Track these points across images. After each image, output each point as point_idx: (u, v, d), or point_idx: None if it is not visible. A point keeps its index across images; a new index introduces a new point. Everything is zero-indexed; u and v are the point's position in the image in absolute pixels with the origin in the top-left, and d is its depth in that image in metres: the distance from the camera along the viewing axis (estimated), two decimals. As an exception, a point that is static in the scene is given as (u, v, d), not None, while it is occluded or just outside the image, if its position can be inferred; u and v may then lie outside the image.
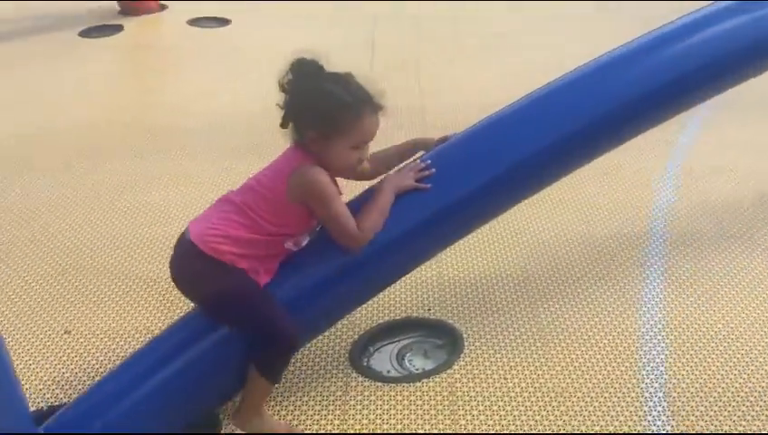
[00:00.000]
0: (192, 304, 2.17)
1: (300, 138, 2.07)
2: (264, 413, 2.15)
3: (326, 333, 2.52)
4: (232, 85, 4.93)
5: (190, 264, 2.06)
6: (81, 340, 2.59)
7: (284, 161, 2.09)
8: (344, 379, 2.39)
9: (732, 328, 2.59)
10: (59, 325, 2.66)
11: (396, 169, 2.26)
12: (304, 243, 2.14)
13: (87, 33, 5.87)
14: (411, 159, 2.30)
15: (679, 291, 2.79)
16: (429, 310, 2.71)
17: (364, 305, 2.66)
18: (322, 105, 2.03)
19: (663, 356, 2.46)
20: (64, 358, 2.51)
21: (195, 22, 6.13)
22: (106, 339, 2.59)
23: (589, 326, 2.60)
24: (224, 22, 6.15)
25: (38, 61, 5.39)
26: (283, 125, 2.09)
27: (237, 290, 2.04)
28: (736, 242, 3.09)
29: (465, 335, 2.56)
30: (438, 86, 4.86)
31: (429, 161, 2.22)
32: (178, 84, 5.11)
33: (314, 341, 2.49)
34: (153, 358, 2.09)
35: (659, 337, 2.54)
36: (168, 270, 2.14)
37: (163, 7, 6.50)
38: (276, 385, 2.14)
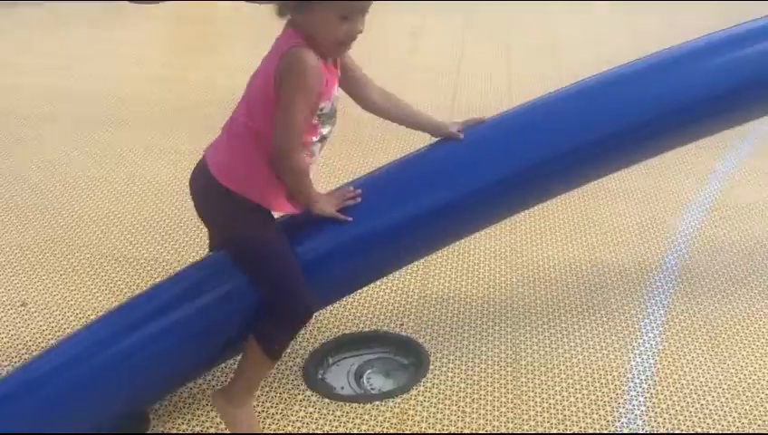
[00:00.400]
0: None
1: (280, 8, 1.83)
2: (249, 406, 2.00)
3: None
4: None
5: (216, 201, 1.92)
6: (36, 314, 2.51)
7: (277, 44, 1.84)
8: (291, 390, 2.22)
9: (725, 384, 2.31)
10: (17, 296, 2.60)
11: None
12: (318, 153, 1.96)
13: (135, -3, 5.86)
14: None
15: (678, 337, 2.51)
16: (401, 325, 2.53)
17: (333, 312, 2.52)
18: None
19: (644, 407, 2.21)
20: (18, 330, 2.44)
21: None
22: (64, 313, 2.50)
23: (571, 363, 2.36)
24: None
25: (81, 23, 5.39)
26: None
27: (262, 240, 1.90)
28: (749, 290, 2.77)
29: (432, 358, 2.36)
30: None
31: (359, 190, 2.00)
32: (213, 58, 5.05)
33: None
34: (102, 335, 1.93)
35: (645, 384, 2.29)
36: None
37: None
38: (275, 364, 2.00)
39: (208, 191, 1.92)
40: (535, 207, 2.52)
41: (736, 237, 3.13)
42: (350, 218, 1.94)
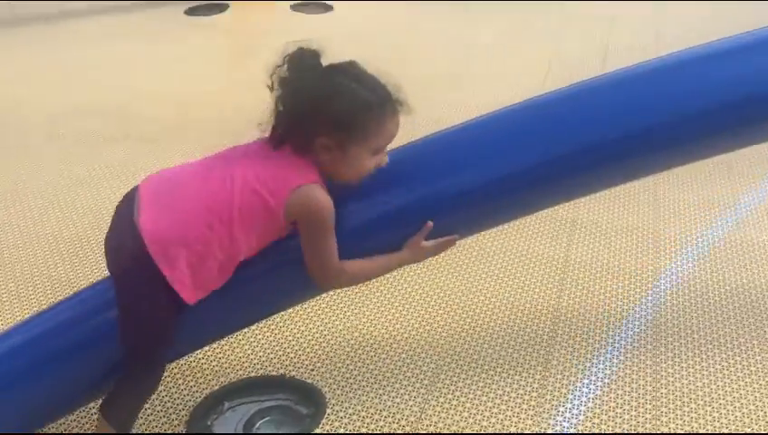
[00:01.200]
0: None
1: (304, 144, 1.75)
2: None
3: (186, 375, 2.33)
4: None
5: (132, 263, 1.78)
6: None
7: (291, 169, 1.75)
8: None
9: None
10: None
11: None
12: None
13: (193, 11, 5.96)
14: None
15: (628, 395, 2.24)
16: (313, 370, 2.39)
17: (244, 350, 2.43)
18: (340, 107, 1.71)
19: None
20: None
21: (298, 7, 6.05)
22: None
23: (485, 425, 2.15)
24: (327, 8, 6.04)
25: (137, 36, 5.56)
26: (281, 133, 1.78)
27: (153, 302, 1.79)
28: (730, 350, 2.43)
29: (329, 411, 2.21)
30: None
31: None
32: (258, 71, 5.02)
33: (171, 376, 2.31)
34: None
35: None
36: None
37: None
38: None
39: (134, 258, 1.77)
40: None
41: (736, 282, 2.76)
42: (457, 236, 1.96)
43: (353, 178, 1.81)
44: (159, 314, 1.80)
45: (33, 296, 2.73)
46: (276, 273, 1.90)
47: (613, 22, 5.60)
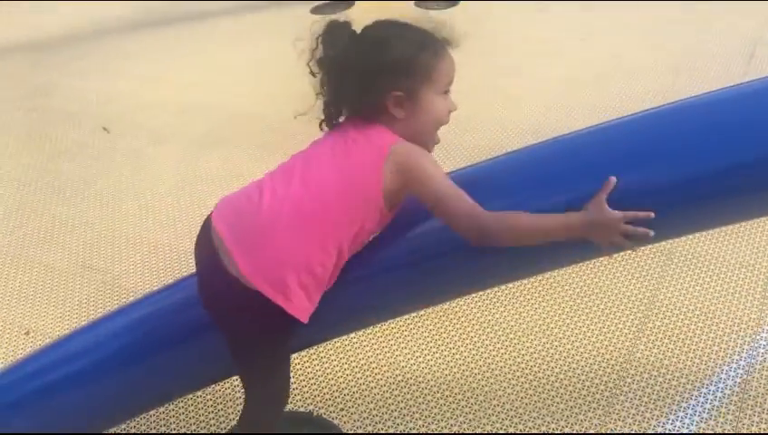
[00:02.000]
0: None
1: (374, 108, 1.64)
2: None
3: (217, 403, 2.28)
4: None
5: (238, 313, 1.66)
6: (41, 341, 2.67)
7: (370, 140, 1.62)
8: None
9: None
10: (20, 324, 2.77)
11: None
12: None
13: (319, 10, 5.95)
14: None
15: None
16: (342, 409, 2.25)
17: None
18: (398, 54, 1.62)
19: None
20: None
21: (422, 3, 5.85)
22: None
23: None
24: (451, 3, 5.81)
25: (264, 36, 5.65)
26: (344, 109, 1.69)
27: (279, 358, 1.75)
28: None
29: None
30: None
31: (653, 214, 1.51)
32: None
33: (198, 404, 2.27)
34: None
35: None
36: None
37: (409, -17, 6.37)
38: None
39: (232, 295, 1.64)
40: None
41: None
42: (652, 233, 1.49)
43: (432, 128, 1.68)
44: (279, 344, 1.71)
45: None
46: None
47: None
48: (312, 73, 1.68)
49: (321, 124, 1.72)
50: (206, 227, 1.69)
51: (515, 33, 5.11)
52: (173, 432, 2.07)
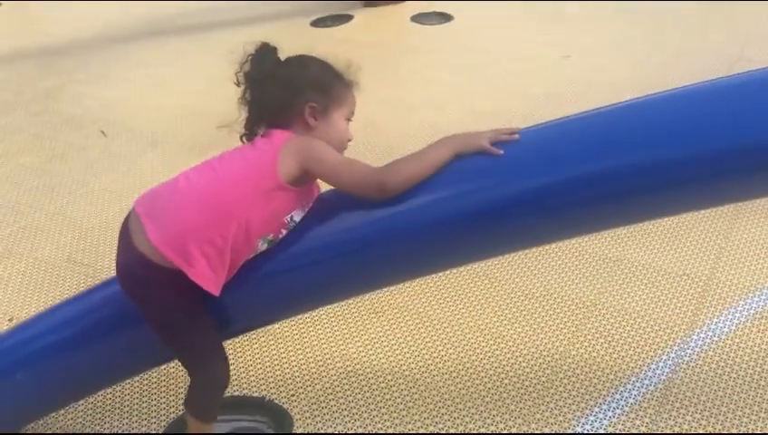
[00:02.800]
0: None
1: (290, 116, 1.88)
2: None
3: (170, 386, 2.45)
4: (423, 99, 4.81)
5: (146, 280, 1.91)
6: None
7: (276, 135, 1.85)
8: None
9: None
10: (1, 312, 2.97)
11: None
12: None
13: (319, 23, 6.15)
14: None
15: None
16: (293, 395, 2.42)
17: (234, 369, 2.50)
18: (319, 74, 1.93)
19: None
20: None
21: (418, 18, 6.04)
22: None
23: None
24: (447, 18, 5.99)
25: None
26: (263, 119, 1.92)
27: (194, 327, 1.90)
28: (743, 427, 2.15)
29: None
30: None
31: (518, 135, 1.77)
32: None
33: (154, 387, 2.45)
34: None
35: None
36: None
37: (406, -3, 6.56)
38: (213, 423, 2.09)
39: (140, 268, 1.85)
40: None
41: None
42: (501, 152, 1.72)
43: (336, 146, 1.90)
44: (192, 316, 1.89)
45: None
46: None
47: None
48: (237, 84, 1.94)
49: (241, 137, 1.96)
50: (126, 218, 1.92)
51: (504, 48, 5.29)
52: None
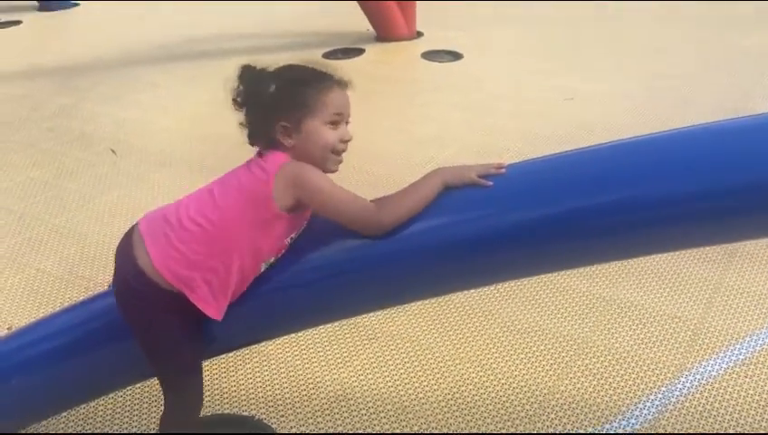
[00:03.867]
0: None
1: (268, 136, 1.87)
2: None
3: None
4: (429, 132, 4.89)
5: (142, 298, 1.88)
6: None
7: (267, 161, 1.84)
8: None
9: None
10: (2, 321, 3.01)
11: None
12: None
13: (331, 55, 6.26)
14: None
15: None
16: (282, 416, 2.45)
17: (229, 386, 2.54)
18: (281, 88, 1.87)
19: None
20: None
21: (428, 55, 6.17)
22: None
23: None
24: (456, 56, 6.11)
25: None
26: (253, 139, 1.91)
27: (174, 343, 1.92)
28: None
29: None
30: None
31: (505, 169, 1.83)
32: (376, 125, 5.18)
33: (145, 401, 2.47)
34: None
35: None
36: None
37: (419, 34, 6.70)
38: None
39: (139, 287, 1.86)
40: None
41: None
42: (491, 183, 1.78)
43: (322, 153, 1.85)
44: (181, 340, 1.91)
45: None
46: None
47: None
48: (237, 108, 1.91)
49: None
50: (129, 233, 1.94)
51: (510, 89, 5.38)
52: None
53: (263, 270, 1.87)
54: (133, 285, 1.86)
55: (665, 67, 5.61)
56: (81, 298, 3.09)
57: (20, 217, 3.82)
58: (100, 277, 3.26)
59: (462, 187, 1.80)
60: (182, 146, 4.63)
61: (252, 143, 1.91)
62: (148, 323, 1.89)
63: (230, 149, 4.45)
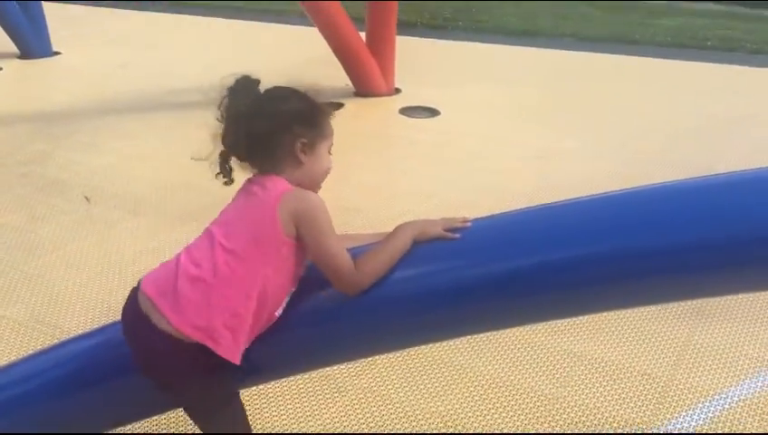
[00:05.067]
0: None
1: (272, 157, 1.83)
2: None
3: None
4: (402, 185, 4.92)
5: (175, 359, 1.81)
6: None
7: (268, 188, 1.80)
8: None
9: None
10: None
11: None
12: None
13: (309, 108, 6.34)
14: None
15: None
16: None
17: None
18: (303, 106, 1.86)
19: None
20: None
21: (406, 111, 6.27)
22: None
23: None
24: (434, 112, 6.21)
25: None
26: (252, 153, 1.85)
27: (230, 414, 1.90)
28: None
29: None
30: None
31: (470, 223, 1.85)
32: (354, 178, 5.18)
33: None
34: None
35: None
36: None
37: (397, 91, 6.81)
38: None
39: (166, 349, 1.80)
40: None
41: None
42: (458, 236, 1.80)
43: (321, 178, 1.89)
44: (220, 392, 1.87)
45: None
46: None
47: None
48: (219, 119, 1.86)
49: (216, 175, 1.90)
50: (132, 298, 1.87)
51: (486, 146, 5.47)
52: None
53: (285, 302, 1.84)
54: (161, 348, 1.78)
55: (636, 128, 5.75)
56: (41, 345, 3.06)
57: (-12, 262, 3.77)
58: (67, 325, 3.21)
59: (429, 240, 1.81)
60: (157, 194, 4.62)
61: (245, 158, 1.86)
62: (184, 381, 1.83)
63: (201, 199, 4.52)
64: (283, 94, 1.88)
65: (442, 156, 5.27)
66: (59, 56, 8.40)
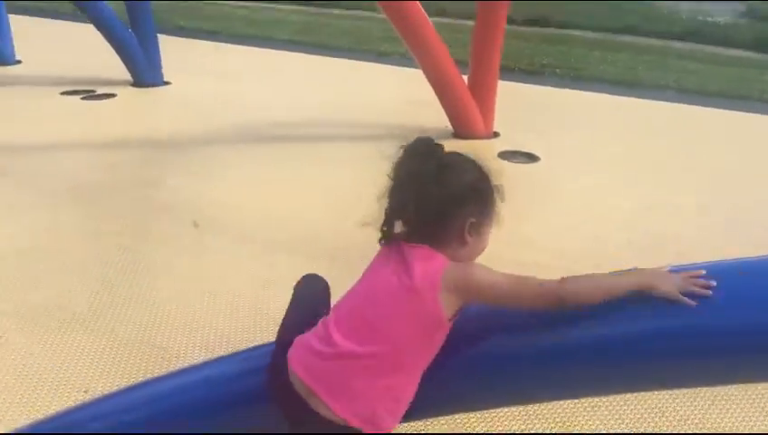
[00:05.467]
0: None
1: (432, 234, 1.71)
2: None
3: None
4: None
5: None
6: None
7: (423, 268, 1.68)
8: None
9: None
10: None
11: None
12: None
13: (410, 148, 6.38)
14: None
15: None
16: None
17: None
18: (481, 185, 1.74)
19: None
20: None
21: (505, 154, 6.23)
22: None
23: None
24: (533, 158, 6.16)
25: (339, 165, 5.94)
26: (415, 228, 1.73)
27: None
28: None
29: None
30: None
31: (714, 283, 1.62)
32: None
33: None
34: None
35: None
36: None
37: (496, 135, 6.80)
38: None
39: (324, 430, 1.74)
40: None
41: None
42: (695, 303, 1.61)
43: (476, 257, 1.77)
44: None
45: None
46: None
47: None
48: (390, 177, 1.75)
49: (380, 240, 1.79)
50: (280, 364, 1.80)
51: (587, 194, 5.39)
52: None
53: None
54: (319, 429, 1.74)
55: (744, 187, 5.55)
56: (154, 367, 3.15)
57: (101, 282, 3.91)
58: (175, 348, 3.29)
59: (659, 298, 1.62)
60: (264, 224, 4.73)
61: (408, 223, 1.74)
62: None
63: (305, 231, 4.60)
64: (465, 166, 1.76)
65: (542, 202, 5.20)
66: (169, 86, 8.77)
